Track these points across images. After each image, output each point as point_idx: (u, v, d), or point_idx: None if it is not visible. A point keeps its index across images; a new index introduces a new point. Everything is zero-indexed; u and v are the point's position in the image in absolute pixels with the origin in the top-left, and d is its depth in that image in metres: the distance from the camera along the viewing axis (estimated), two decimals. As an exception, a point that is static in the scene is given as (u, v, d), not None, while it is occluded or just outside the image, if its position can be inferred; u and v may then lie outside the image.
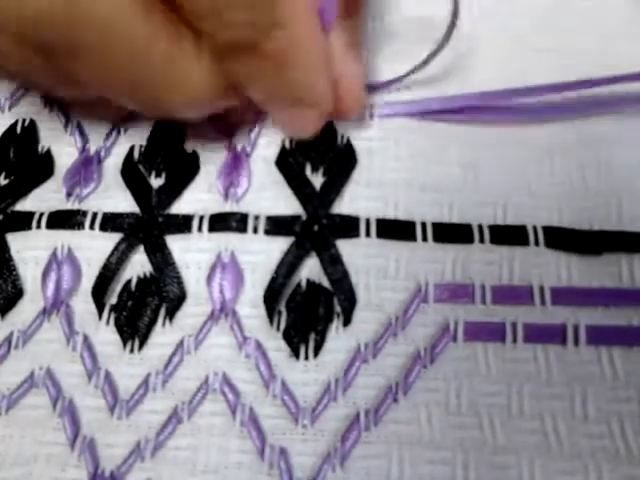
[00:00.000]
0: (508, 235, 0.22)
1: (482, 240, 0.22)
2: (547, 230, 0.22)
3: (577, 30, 0.26)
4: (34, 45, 0.18)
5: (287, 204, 0.23)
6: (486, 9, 0.27)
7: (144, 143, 0.24)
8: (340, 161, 0.23)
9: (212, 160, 0.24)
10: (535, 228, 0.22)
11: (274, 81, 0.19)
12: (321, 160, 0.23)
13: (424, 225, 0.22)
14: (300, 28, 0.18)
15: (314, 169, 0.23)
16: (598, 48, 0.26)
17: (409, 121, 0.24)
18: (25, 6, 0.16)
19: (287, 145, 0.24)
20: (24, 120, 0.25)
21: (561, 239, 0.22)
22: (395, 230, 0.22)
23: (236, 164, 0.23)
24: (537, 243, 0.22)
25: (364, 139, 0.24)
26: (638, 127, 0.24)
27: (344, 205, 0.23)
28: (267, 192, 0.23)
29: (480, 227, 0.22)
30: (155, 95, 0.19)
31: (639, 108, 0.24)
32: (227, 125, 0.24)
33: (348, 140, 0.24)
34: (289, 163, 0.23)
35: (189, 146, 0.24)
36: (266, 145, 0.24)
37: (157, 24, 0.17)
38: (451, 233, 0.22)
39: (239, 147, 0.24)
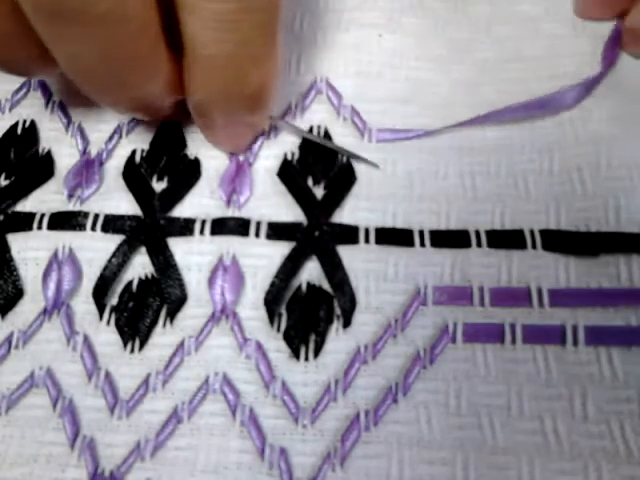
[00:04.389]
0: (505, 239, 0.22)
1: (479, 244, 0.22)
2: (544, 233, 0.22)
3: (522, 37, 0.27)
4: (45, 12, 0.17)
5: (289, 212, 0.23)
6: None
7: (146, 147, 0.24)
8: (340, 177, 0.24)
9: (214, 168, 0.24)
10: (532, 232, 0.22)
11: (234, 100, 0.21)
12: (322, 174, 0.24)
13: (422, 232, 0.22)
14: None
15: (315, 182, 0.24)
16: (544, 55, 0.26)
17: (406, 141, 0.24)
18: None
19: (289, 157, 0.24)
20: (25, 121, 0.25)
21: (559, 241, 0.22)
22: (393, 237, 0.22)
23: (238, 173, 0.24)
24: (534, 246, 0.22)
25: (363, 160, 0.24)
26: (635, 128, 0.24)
27: (344, 216, 0.23)
28: (269, 200, 0.23)
29: (477, 232, 0.22)
30: (128, 81, 0.19)
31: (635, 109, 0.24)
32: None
33: (348, 159, 0.24)
34: (291, 174, 0.23)
35: (191, 152, 0.24)
36: (268, 157, 0.24)
37: (153, 11, 0.18)
38: (449, 239, 0.22)
39: (241, 157, 0.24)
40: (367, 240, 0.22)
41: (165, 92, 0.21)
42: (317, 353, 0.21)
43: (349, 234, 0.22)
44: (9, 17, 0.18)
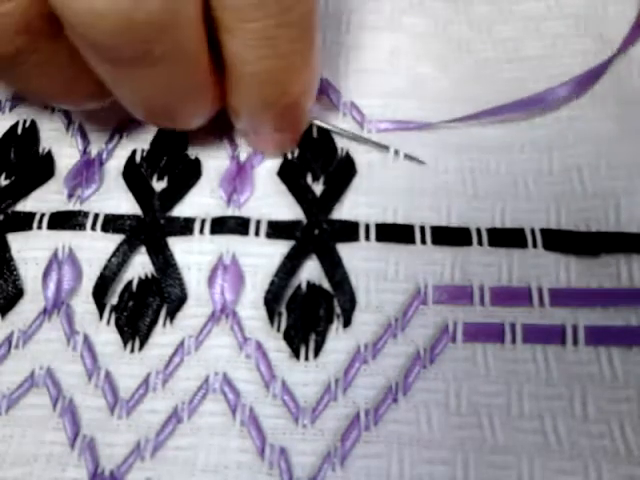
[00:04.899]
0: (506, 238, 0.22)
1: (480, 243, 0.22)
2: (545, 232, 0.22)
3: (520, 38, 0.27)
4: (106, 58, 0.17)
5: (288, 210, 0.23)
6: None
7: (146, 147, 0.24)
8: (340, 171, 0.24)
9: (215, 167, 0.24)
10: (533, 230, 0.22)
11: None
12: (321, 170, 0.24)
13: (423, 229, 0.22)
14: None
15: (315, 178, 0.24)
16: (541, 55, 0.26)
17: (406, 133, 0.24)
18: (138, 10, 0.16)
19: (289, 156, 0.24)
20: (25, 121, 0.25)
21: (559, 241, 0.22)
22: (394, 234, 0.22)
23: (239, 173, 0.24)
24: (535, 245, 0.22)
25: (363, 152, 0.24)
26: (635, 128, 0.24)
27: (344, 211, 0.23)
28: (269, 199, 0.23)
29: (478, 230, 0.22)
30: (182, 108, 0.21)
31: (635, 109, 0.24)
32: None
33: (347, 152, 0.24)
34: (291, 173, 0.23)
35: (192, 153, 0.24)
36: (269, 157, 0.24)
37: (204, 43, 0.18)
38: (449, 236, 0.22)
39: (242, 157, 0.24)
40: (367, 237, 0.22)
41: (210, 110, 0.22)
42: (317, 353, 0.21)
43: (349, 231, 0.22)
44: (70, 63, 0.19)
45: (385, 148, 0.24)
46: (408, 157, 0.24)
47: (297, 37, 0.19)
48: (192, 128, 0.23)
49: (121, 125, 0.25)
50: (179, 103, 0.20)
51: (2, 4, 0.16)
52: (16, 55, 0.17)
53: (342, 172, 0.24)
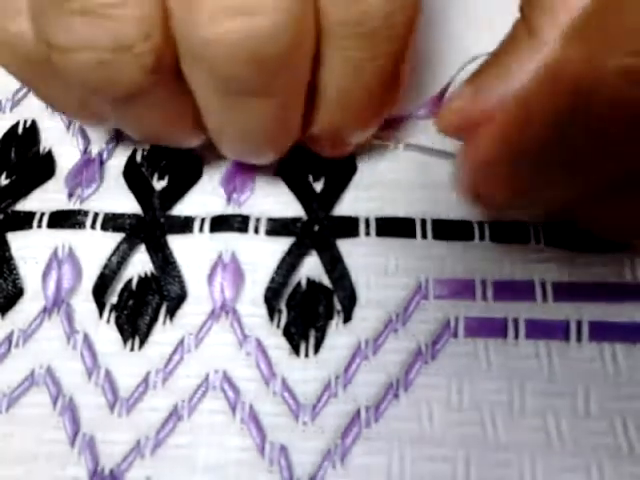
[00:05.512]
0: (509, 232, 0.22)
1: (482, 237, 0.22)
2: (547, 227, 0.22)
3: None
4: (227, 91, 0.17)
5: (289, 207, 0.23)
6: None
7: (147, 146, 0.24)
8: (340, 168, 0.23)
9: (216, 166, 0.24)
10: (536, 226, 0.22)
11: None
12: (323, 169, 0.23)
13: (424, 222, 0.22)
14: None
15: (315, 179, 0.23)
16: None
17: (407, 123, 0.24)
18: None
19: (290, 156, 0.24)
20: (25, 121, 0.25)
21: (562, 236, 0.21)
22: (394, 228, 0.22)
23: (240, 171, 0.23)
24: (538, 240, 0.22)
25: (364, 146, 0.24)
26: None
27: (344, 208, 0.23)
28: (270, 197, 0.23)
29: (480, 224, 0.22)
30: (270, 137, 0.20)
31: None
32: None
33: None
34: (292, 171, 0.23)
35: (193, 151, 0.24)
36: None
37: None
38: (451, 230, 0.22)
39: None
40: (368, 232, 0.22)
41: (289, 144, 0.21)
42: (317, 349, 0.21)
43: (349, 226, 0.22)
44: (175, 99, 0.19)
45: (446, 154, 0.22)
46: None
47: (383, 70, 0.19)
48: (265, 162, 0.22)
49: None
50: (273, 134, 0.20)
51: (138, 45, 0.16)
52: (146, 93, 0.17)
53: (342, 169, 0.23)
